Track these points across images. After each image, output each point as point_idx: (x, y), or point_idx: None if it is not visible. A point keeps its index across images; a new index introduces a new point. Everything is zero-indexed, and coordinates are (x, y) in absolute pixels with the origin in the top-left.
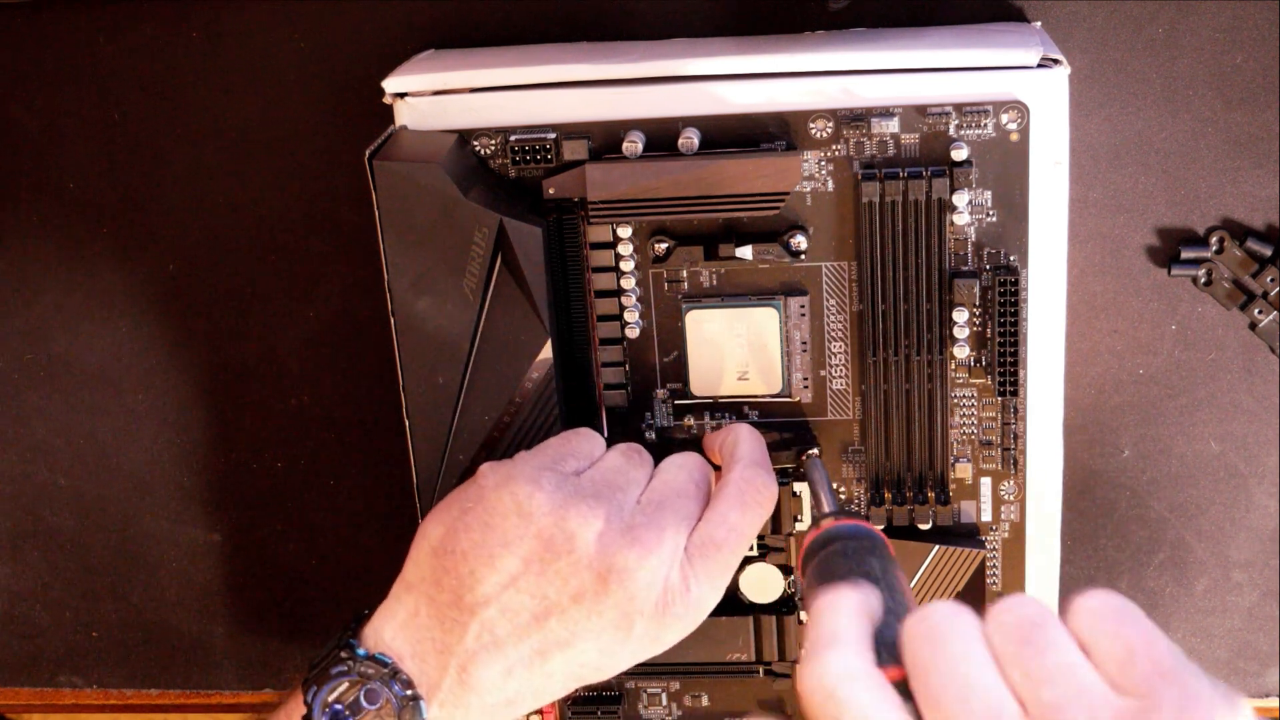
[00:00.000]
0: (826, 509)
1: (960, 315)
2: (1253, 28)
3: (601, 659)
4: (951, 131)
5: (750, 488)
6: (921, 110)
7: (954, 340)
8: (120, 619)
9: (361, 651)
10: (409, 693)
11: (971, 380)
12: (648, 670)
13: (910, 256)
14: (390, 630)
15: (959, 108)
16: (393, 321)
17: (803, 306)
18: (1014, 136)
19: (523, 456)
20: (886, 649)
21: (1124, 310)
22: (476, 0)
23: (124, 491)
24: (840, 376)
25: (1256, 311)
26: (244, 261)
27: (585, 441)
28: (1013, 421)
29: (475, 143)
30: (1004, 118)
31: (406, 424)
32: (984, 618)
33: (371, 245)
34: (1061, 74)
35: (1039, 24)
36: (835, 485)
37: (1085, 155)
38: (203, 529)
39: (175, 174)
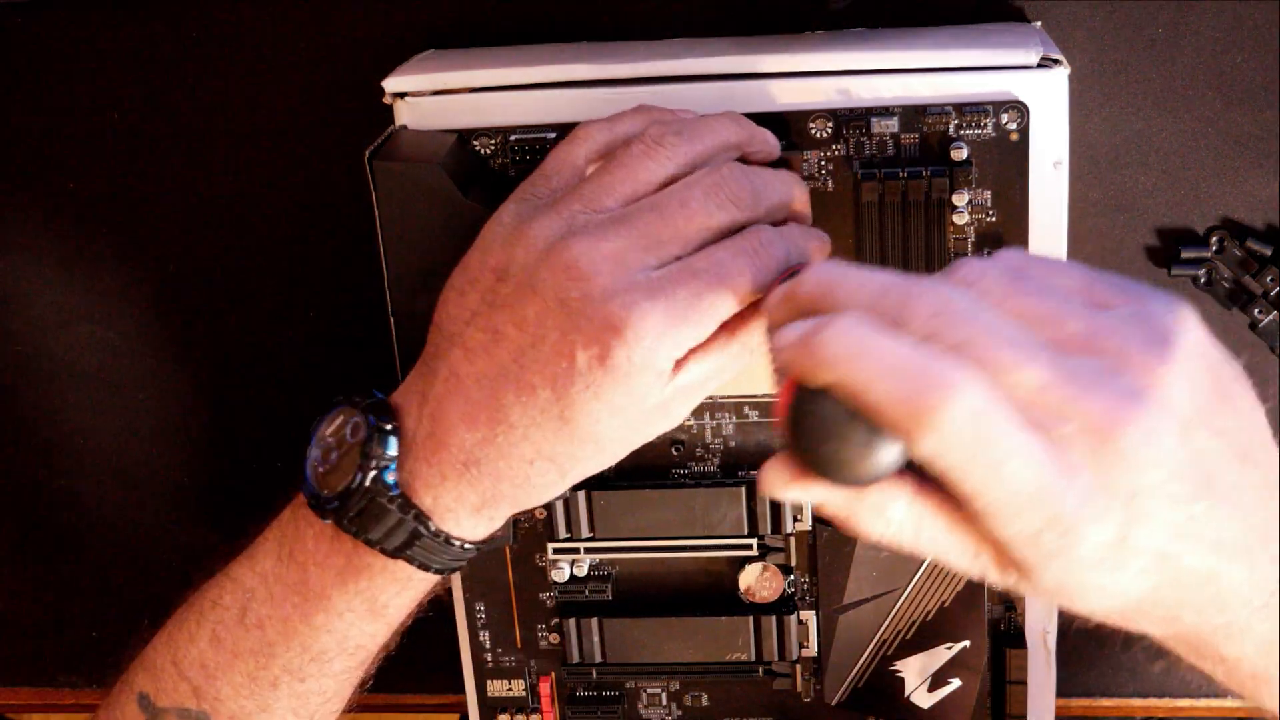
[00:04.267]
0: None
1: None
2: (1253, 28)
3: (554, 402)
4: (951, 131)
5: (754, 236)
6: (921, 110)
7: None
8: (120, 619)
9: (378, 395)
10: (385, 426)
11: None
12: (648, 670)
13: (910, 257)
14: (401, 386)
15: (959, 108)
16: (392, 321)
17: None
18: (1014, 136)
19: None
20: None
21: None
22: (476, 0)
23: (124, 491)
24: None
25: (1256, 311)
26: (244, 261)
27: (566, 149)
28: None
29: (475, 142)
30: (1004, 117)
31: None
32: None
33: (371, 245)
34: (1061, 74)
35: (1039, 24)
36: None
37: (1085, 155)
38: (203, 529)
39: (175, 174)
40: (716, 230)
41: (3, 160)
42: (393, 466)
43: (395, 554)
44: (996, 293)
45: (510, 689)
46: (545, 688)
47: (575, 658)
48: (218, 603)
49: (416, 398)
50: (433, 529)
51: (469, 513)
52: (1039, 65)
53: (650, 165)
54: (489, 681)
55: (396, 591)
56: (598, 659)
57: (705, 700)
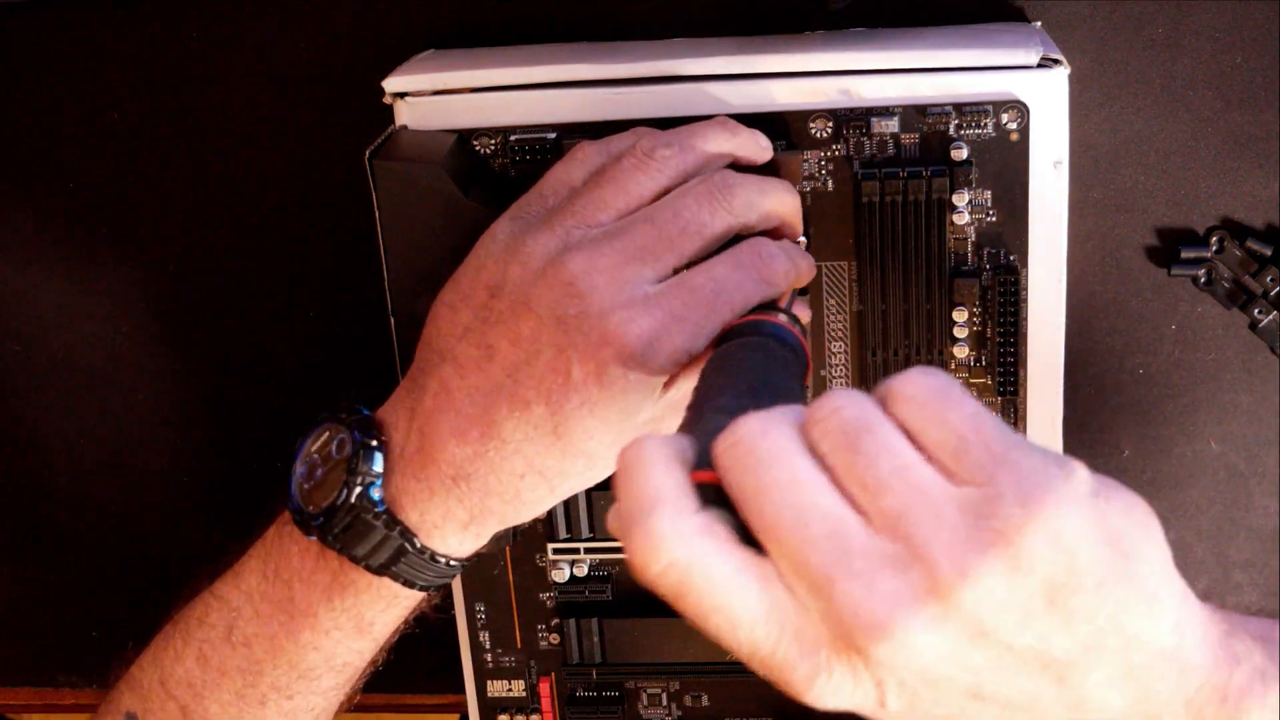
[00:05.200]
0: (782, 305)
1: (960, 315)
2: (1253, 28)
3: (548, 417)
4: (951, 131)
5: (753, 249)
6: (921, 110)
7: (954, 340)
8: (120, 619)
9: (364, 411)
10: (371, 441)
11: (971, 380)
12: (648, 670)
13: (910, 256)
14: (387, 402)
15: (959, 108)
16: (392, 321)
17: None
18: (1014, 136)
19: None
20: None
21: (1124, 310)
22: (476, 0)
23: (124, 491)
24: (840, 377)
25: (1256, 311)
26: (244, 261)
27: (563, 169)
28: (1013, 421)
29: (475, 142)
30: (1004, 117)
31: None
32: (805, 419)
33: (371, 245)
34: (1061, 74)
35: (1039, 24)
36: None
37: (1085, 155)
38: (203, 529)
39: (175, 174)
40: (712, 239)
41: (3, 160)
42: (379, 483)
43: (381, 571)
44: (835, 437)
45: (510, 689)
46: (545, 688)
47: (575, 658)
48: (204, 621)
49: (405, 413)
50: (418, 545)
51: (456, 529)
52: (1039, 65)
53: (641, 178)
54: (489, 681)
55: (383, 609)
56: (598, 659)
57: (705, 700)
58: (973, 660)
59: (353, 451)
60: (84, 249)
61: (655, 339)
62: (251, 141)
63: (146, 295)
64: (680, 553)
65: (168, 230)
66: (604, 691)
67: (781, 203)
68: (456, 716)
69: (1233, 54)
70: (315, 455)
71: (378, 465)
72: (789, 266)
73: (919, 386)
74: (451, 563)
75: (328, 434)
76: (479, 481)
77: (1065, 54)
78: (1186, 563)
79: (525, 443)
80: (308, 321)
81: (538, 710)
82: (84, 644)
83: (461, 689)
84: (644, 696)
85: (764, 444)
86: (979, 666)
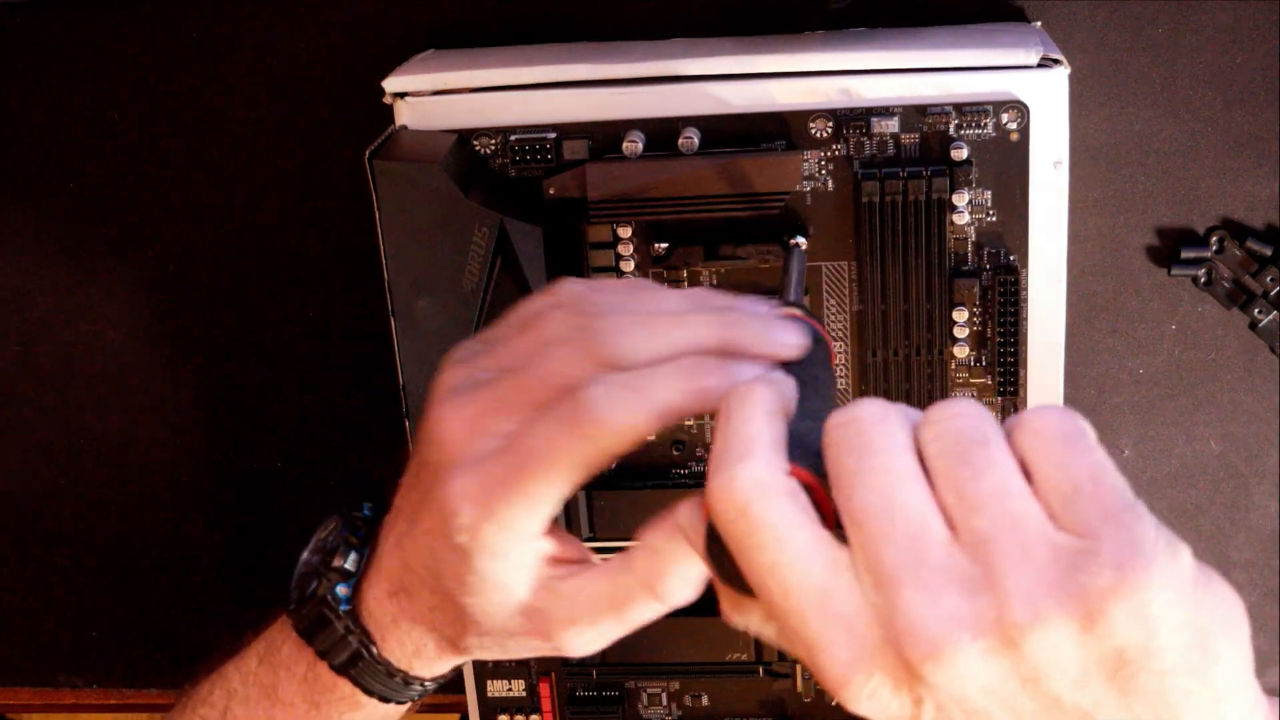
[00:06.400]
0: (790, 299)
1: (960, 315)
2: (1253, 28)
3: (434, 564)
4: (951, 131)
5: (570, 399)
6: (921, 110)
7: (954, 340)
8: (120, 619)
9: (366, 509)
10: (351, 539)
11: (971, 380)
12: (648, 670)
13: (910, 256)
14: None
15: (959, 107)
16: (393, 321)
17: None
18: (1014, 136)
19: None
20: (805, 452)
21: (1124, 310)
22: (476, 0)
23: (124, 491)
24: (840, 376)
25: (1256, 311)
26: (244, 261)
27: (536, 301)
28: None
29: (475, 143)
30: (1004, 117)
31: (406, 424)
32: (921, 419)
33: (371, 245)
34: (1061, 74)
35: (1039, 24)
36: None
37: (1085, 155)
38: (203, 529)
39: (175, 174)
40: (572, 390)
41: (3, 160)
42: (350, 582)
43: (340, 671)
44: (946, 441)
45: (510, 689)
46: (545, 688)
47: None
48: (206, 700)
49: (391, 515)
50: (374, 653)
51: (398, 645)
52: (1039, 65)
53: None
54: (489, 681)
55: (348, 710)
56: (598, 659)
57: (705, 700)
58: (1019, 704)
59: (332, 546)
60: (84, 249)
61: (476, 503)
62: (251, 141)
63: (146, 295)
64: (758, 507)
65: (168, 230)
66: (604, 691)
67: (694, 337)
68: (456, 716)
69: (1233, 54)
70: (316, 543)
71: (351, 563)
72: (628, 411)
73: (1050, 422)
74: (410, 679)
75: (333, 525)
76: (409, 602)
77: (1065, 54)
78: None
79: (425, 580)
80: (308, 321)
81: (538, 710)
82: (84, 644)
83: (461, 689)
84: (644, 696)
85: (876, 429)
86: (1024, 712)
